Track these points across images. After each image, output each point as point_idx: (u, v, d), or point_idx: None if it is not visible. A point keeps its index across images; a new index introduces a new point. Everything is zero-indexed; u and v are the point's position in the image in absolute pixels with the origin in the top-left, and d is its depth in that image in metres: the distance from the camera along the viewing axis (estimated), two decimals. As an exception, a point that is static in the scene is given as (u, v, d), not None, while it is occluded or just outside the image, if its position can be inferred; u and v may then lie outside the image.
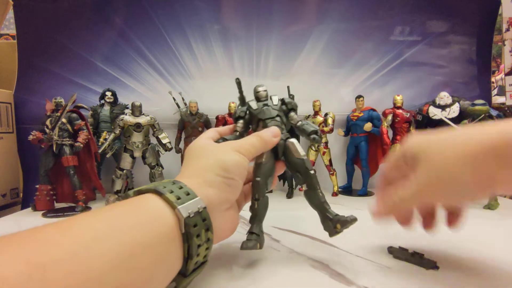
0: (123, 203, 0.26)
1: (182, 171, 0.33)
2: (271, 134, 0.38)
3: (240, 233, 0.49)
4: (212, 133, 0.40)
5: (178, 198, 0.26)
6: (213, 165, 0.32)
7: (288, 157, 0.40)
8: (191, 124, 0.84)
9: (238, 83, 0.45)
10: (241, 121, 0.44)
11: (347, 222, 0.35)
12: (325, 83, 0.94)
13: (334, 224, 0.36)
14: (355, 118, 0.85)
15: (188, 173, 0.32)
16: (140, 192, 0.28)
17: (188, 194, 0.27)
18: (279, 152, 0.40)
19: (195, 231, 0.26)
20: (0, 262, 0.16)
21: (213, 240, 0.29)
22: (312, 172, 0.38)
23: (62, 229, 0.20)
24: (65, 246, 0.18)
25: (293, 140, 0.40)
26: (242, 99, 0.47)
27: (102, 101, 0.85)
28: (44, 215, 0.67)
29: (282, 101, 0.46)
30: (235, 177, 0.32)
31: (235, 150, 0.34)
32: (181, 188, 0.28)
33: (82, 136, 0.73)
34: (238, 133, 0.43)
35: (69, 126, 0.74)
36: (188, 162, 0.34)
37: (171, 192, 0.27)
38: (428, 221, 0.36)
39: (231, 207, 0.34)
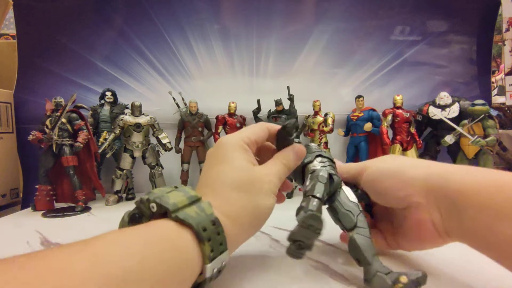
0: (158, 226, 0.24)
1: (213, 193, 0.29)
2: (296, 158, 0.34)
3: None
4: (257, 134, 0.33)
5: (212, 250, 0.25)
6: (251, 210, 0.29)
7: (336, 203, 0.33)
8: (191, 124, 0.84)
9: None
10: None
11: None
12: (325, 83, 0.94)
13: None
14: (355, 118, 0.85)
15: (225, 208, 0.27)
16: (179, 220, 0.24)
17: (221, 244, 0.25)
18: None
19: (210, 280, 0.26)
20: None
21: None
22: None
23: (91, 265, 0.18)
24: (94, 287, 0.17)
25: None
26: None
27: (102, 101, 0.85)
28: (44, 215, 0.67)
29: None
30: (263, 223, 0.31)
31: (273, 192, 0.30)
32: (218, 234, 0.25)
33: (82, 136, 0.73)
34: None
35: (69, 126, 0.74)
36: (222, 187, 0.29)
37: (209, 240, 0.24)
38: None
39: None
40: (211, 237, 0.24)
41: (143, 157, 0.79)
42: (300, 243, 0.28)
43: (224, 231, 0.26)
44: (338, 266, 0.36)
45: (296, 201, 0.31)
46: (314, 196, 0.30)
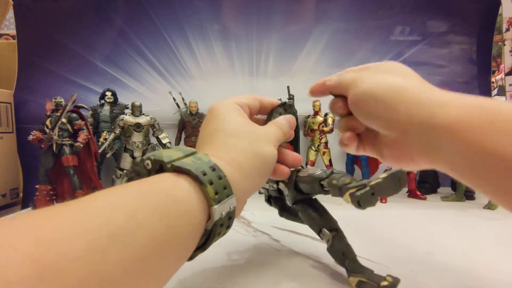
0: (153, 181, 0.22)
1: (207, 141, 0.28)
2: (289, 125, 0.33)
3: (240, 233, 0.49)
4: (244, 107, 0.32)
5: (216, 193, 0.23)
6: (252, 155, 0.27)
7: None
8: (191, 124, 0.84)
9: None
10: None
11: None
12: (325, 83, 0.94)
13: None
14: (355, 118, 0.85)
15: (223, 155, 0.26)
16: (176, 168, 0.23)
17: (225, 188, 0.24)
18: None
19: (219, 229, 0.24)
20: (4, 262, 0.14)
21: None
22: None
23: (77, 217, 0.17)
24: (79, 244, 0.16)
25: None
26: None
27: (102, 101, 0.85)
28: (44, 215, 0.67)
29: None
30: (268, 173, 0.29)
31: (272, 142, 0.30)
32: (220, 179, 0.24)
33: (82, 136, 0.73)
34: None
35: (69, 126, 0.74)
36: (216, 134, 0.28)
37: (211, 183, 0.23)
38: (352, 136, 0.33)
39: None
40: (212, 181, 0.23)
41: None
42: (373, 192, 0.26)
43: (226, 176, 0.24)
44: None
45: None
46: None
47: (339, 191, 0.29)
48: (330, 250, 0.34)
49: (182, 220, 0.21)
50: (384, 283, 0.29)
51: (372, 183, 0.26)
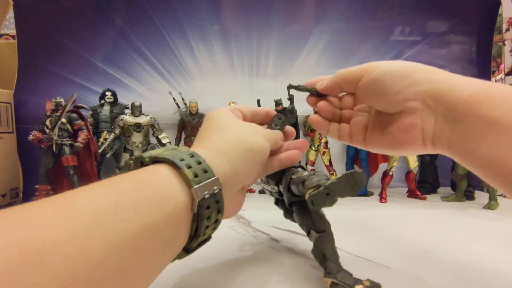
0: (133, 173, 0.23)
1: (197, 141, 0.30)
2: (280, 137, 0.35)
3: (240, 233, 0.49)
4: (235, 111, 0.34)
5: (196, 176, 0.23)
6: (237, 143, 0.29)
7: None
8: (191, 124, 0.84)
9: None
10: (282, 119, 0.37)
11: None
12: (325, 83, 0.94)
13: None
14: (355, 118, 0.85)
15: (207, 145, 0.28)
16: (154, 159, 0.24)
17: (206, 171, 0.24)
18: None
19: (206, 213, 0.24)
20: None
21: (221, 221, 0.27)
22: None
23: (61, 207, 0.18)
24: (64, 228, 0.16)
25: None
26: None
27: (102, 101, 0.85)
28: (44, 215, 0.67)
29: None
30: (258, 161, 0.30)
31: (262, 134, 0.31)
32: (199, 163, 0.24)
33: (82, 136, 0.73)
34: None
35: (69, 126, 0.74)
36: (206, 133, 0.30)
37: (189, 167, 0.24)
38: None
39: (242, 189, 0.32)
40: (190, 165, 0.24)
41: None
42: (328, 192, 0.26)
43: (207, 161, 0.25)
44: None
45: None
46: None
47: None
48: (313, 250, 0.34)
49: (164, 204, 0.21)
50: (359, 287, 0.28)
51: (327, 183, 0.26)
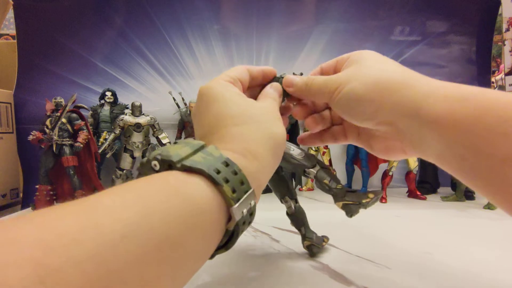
0: (164, 183, 0.20)
1: (215, 133, 0.26)
2: (278, 94, 0.31)
3: (243, 235, 0.49)
4: (240, 73, 0.29)
5: (233, 191, 0.21)
6: (266, 139, 0.25)
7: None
8: (191, 124, 0.84)
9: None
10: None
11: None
12: (325, 83, 0.95)
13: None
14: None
15: (231, 145, 0.24)
16: (186, 168, 0.21)
17: (242, 183, 0.22)
18: None
19: (242, 228, 0.22)
20: (3, 264, 0.13)
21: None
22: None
23: (84, 219, 0.16)
24: (87, 245, 0.15)
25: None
26: None
27: (102, 101, 0.85)
28: (44, 215, 0.67)
29: None
30: (282, 153, 0.27)
31: (278, 119, 0.27)
32: (235, 174, 0.22)
33: (82, 136, 0.73)
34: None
35: (69, 126, 0.74)
36: (222, 121, 0.26)
37: (227, 181, 0.21)
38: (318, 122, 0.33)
39: None
40: (228, 178, 0.21)
41: (143, 157, 0.79)
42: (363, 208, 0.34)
43: (242, 170, 0.22)
44: (338, 266, 0.36)
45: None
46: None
47: (333, 196, 0.35)
48: (293, 216, 0.41)
49: (198, 219, 0.20)
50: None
51: (364, 201, 0.33)
